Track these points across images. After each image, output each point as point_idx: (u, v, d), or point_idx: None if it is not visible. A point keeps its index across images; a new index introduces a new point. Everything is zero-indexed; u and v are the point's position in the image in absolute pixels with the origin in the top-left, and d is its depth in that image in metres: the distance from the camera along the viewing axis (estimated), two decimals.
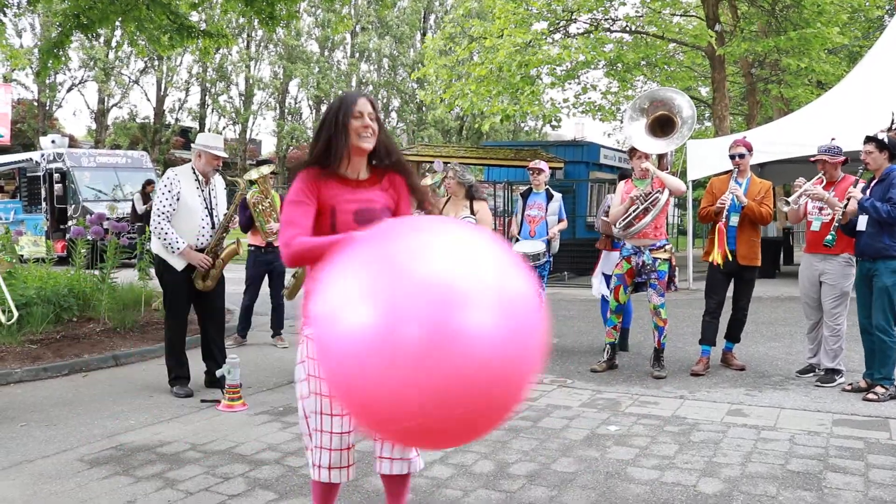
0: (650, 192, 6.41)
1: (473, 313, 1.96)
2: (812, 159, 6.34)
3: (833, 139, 6.29)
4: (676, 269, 6.61)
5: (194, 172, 5.86)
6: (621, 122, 26.25)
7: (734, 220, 6.50)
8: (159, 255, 5.80)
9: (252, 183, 7.18)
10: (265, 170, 7.28)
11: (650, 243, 6.47)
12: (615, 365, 6.78)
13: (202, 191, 5.86)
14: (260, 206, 7.34)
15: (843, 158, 6.15)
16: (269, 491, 3.87)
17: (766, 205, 6.47)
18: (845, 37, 16.08)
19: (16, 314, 6.15)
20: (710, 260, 6.58)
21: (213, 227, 5.91)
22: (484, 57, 16.79)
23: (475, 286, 2.01)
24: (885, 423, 5.08)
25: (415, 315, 1.93)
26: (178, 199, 5.71)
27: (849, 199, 5.73)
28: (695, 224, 15.51)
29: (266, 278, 7.96)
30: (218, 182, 6.06)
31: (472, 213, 6.88)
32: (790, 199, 6.22)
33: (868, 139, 5.77)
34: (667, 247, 6.52)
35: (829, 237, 5.78)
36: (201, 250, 5.82)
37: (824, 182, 6.15)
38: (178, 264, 5.77)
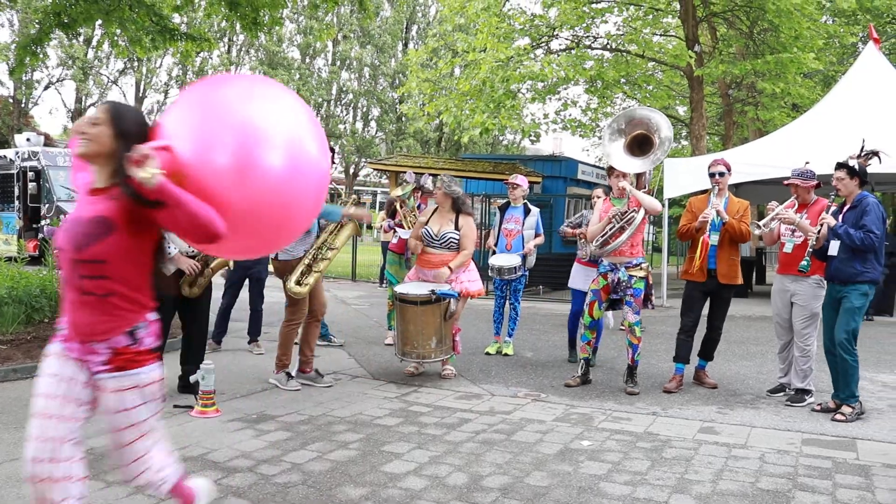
0: (626, 211, 6.48)
1: (268, 152, 2.69)
2: (785, 182, 6.44)
3: (807, 163, 6.40)
4: (653, 286, 6.68)
5: None
6: (600, 138, 26.52)
7: (714, 238, 6.55)
8: None
9: None
10: None
11: (626, 261, 6.54)
12: (589, 380, 6.82)
13: None
14: None
15: (815, 183, 6.25)
16: (243, 499, 3.85)
17: (745, 223, 6.55)
18: (820, 62, 16.35)
19: None
20: (692, 271, 6.61)
21: None
22: (467, 73, 16.86)
23: (274, 132, 2.72)
24: (852, 443, 5.16)
25: (225, 147, 2.63)
26: None
27: (822, 225, 5.83)
28: (670, 242, 15.66)
29: (247, 283, 7.99)
30: None
31: (457, 227, 6.90)
32: (761, 223, 6.31)
33: (839, 165, 5.85)
34: (643, 265, 6.59)
35: (803, 263, 5.87)
36: (193, 257, 5.80)
37: (796, 206, 6.25)
38: (167, 269, 5.73)
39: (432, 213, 7.07)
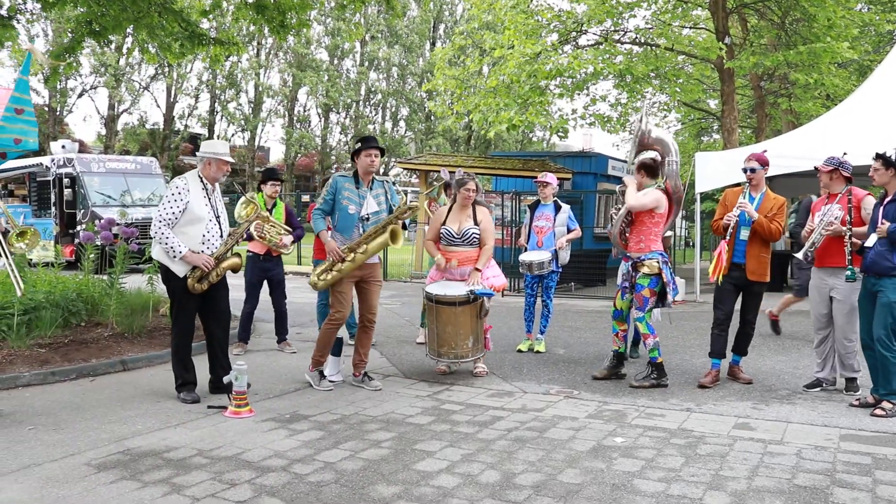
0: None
1: None
2: (814, 167, 6.36)
3: (845, 154, 6.26)
4: (671, 284, 6.54)
5: (202, 180, 5.88)
6: (630, 133, 26.29)
7: (744, 233, 6.47)
8: (161, 261, 5.81)
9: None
10: (270, 189, 7.72)
11: (636, 256, 6.59)
12: (622, 375, 6.77)
13: (209, 198, 5.88)
14: (265, 227, 7.42)
15: (833, 168, 6.11)
16: (276, 498, 3.88)
17: (777, 222, 6.43)
18: (855, 51, 16.02)
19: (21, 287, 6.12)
20: (712, 280, 6.64)
21: (220, 235, 5.92)
22: (495, 69, 16.83)
23: None
24: (892, 438, 5.06)
25: None
26: (185, 209, 5.72)
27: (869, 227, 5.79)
28: (703, 236, 15.47)
29: (266, 286, 8.01)
30: (216, 188, 6.08)
31: (476, 221, 6.92)
32: (804, 250, 6.23)
33: (877, 156, 5.78)
34: (647, 260, 6.52)
35: (848, 272, 5.83)
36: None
37: (827, 198, 6.16)
38: (180, 271, 5.75)
39: (448, 213, 7.08)
